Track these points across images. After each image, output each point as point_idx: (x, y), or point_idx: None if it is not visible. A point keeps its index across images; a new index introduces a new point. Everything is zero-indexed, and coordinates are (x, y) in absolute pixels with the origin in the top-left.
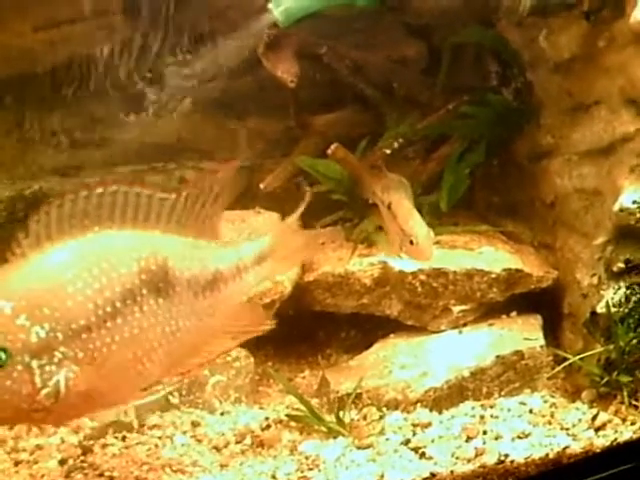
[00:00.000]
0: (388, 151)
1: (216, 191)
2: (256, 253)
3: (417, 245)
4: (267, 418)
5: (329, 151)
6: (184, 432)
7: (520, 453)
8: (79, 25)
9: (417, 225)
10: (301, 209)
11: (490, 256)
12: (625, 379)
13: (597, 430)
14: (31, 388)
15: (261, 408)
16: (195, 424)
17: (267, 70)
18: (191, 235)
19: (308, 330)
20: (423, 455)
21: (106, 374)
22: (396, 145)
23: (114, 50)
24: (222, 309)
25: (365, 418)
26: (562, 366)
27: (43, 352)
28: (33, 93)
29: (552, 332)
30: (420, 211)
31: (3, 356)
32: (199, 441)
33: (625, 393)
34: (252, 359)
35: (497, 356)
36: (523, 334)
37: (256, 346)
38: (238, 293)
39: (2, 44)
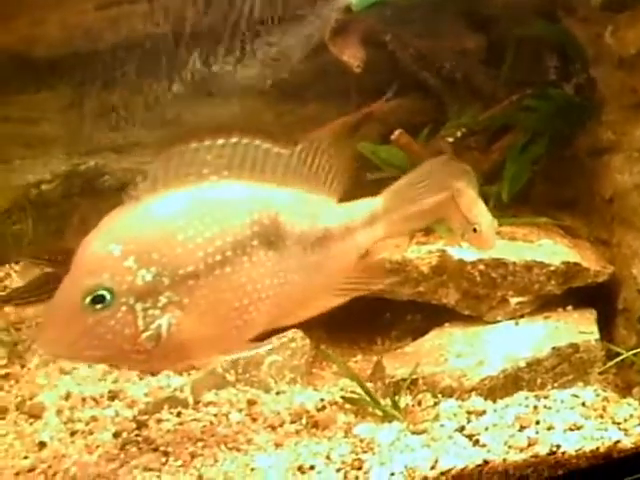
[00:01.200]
0: (451, 140)
1: (330, 151)
2: (367, 214)
3: (481, 233)
4: (322, 399)
5: (393, 137)
6: (240, 410)
7: (572, 445)
8: (140, 4)
9: (481, 213)
10: (422, 170)
11: (549, 249)
12: None
13: None
14: (133, 330)
15: (315, 389)
16: (251, 402)
17: (331, 55)
18: (304, 191)
19: (363, 315)
20: (477, 442)
21: (211, 322)
22: (459, 134)
23: (174, 30)
24: (330, 266)
25: (420, 404)
26: (615, 361)
27: (148, 295)
28: (93, 71)
29: (605, 327)
30: (484, 200)
31: (108, 296)
32: (254, 419)
33: None
34: (308, 340)
35: (553, 348)
36: (578, 327)
37: (310, 329)
38: (347, 252)
39: (64, 22)
